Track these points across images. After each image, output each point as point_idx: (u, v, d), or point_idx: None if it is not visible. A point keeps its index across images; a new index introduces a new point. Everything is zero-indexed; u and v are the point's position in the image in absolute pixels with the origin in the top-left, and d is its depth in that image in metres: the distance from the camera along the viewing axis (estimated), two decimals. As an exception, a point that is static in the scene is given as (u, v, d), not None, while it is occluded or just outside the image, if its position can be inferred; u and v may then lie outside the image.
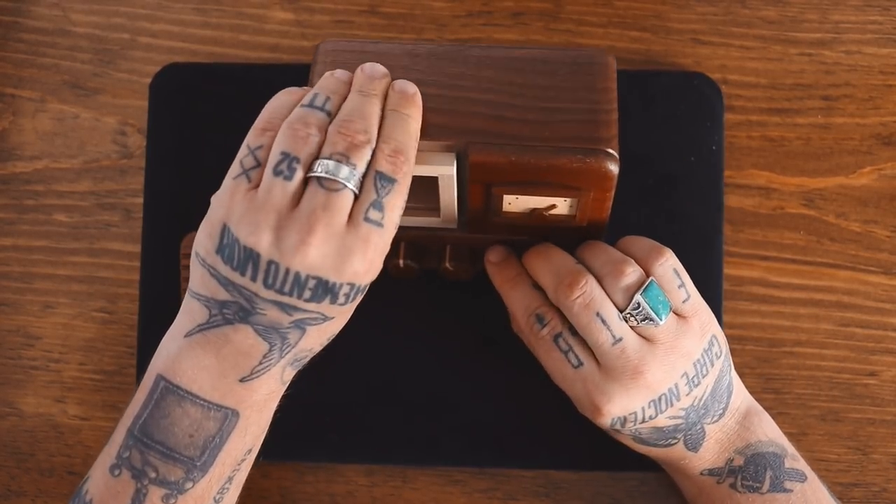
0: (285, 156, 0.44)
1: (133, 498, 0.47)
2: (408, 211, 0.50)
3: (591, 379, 0.51)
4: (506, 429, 0.60)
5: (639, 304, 0.50)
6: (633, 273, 0.51)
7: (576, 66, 0.49)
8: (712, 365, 0.52)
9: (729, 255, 0.62)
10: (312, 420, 0.60)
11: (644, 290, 0.50)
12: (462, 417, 0.60)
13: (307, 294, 0.44)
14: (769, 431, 0.55)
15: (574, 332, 0.52)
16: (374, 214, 0.44)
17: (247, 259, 0.44)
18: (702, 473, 0.54)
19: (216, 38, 0.64)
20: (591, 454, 0.59)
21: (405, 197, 0.45)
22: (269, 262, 0.44)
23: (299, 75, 0.62)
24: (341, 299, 0.45)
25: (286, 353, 0.47)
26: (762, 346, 0.61)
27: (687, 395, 0.51)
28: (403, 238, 0.54)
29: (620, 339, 0.50)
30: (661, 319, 0.50)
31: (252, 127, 0.46)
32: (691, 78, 0.62)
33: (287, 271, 0.44)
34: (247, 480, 0.61)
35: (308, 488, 0.61)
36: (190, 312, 0.47)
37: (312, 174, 0.44)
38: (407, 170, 0.45)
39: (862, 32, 0.63)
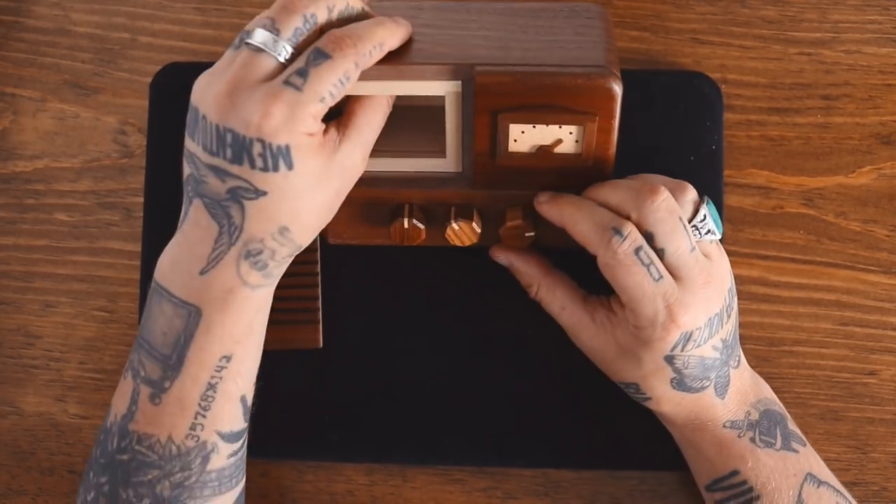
0: (241, 33, 0.48)
1: (131, 397, 0.50)
2: (413, 154, 0.53)
3: (671, 291, 0.51)
4: (506, 428, 0.60)
5: (705, 216, 0.52)
6: (693, 189, 0.52)
7: (574, 13, 0.52)
8: (734, 300, 0.54)
9: (729, 255, 0.61)
10: (312, 420, 0.60)
11: (706, 203, 0.52)
12: (462, 417, 0.60)
13: (229, 153, 0.46)
14: (770, 392, 0.56)
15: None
16: (294, 79, 0.45)
17: (193, 119, 0.48)
18: (724, 426, 0.54)
19: (216, 38, 0.64)
20: (591, 453, 0.59)
21: (340, 74, 0.46)
22: (202, 118, 0.47)
23: (299, 75, 0.62)
24: (258, 162, 0.46)
25: (235, 240, 0.48)
26: (762, 346, 0.61)
27: (726, 322, 0.53)
28: (408, 199, 0.54)
29: (694, 248, 0.52)
30: (720, 232, 0.53)
31: None
32: (691, 77, 0.62)
33: (210, 125, 0.46)
34: (246, 480, 0.61)
35: (308, 487, 0.61)
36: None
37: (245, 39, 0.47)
38: (350, 52, 0.46)
39: (861, 32, 0.63)
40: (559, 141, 0.52)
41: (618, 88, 0.49)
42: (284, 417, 0.60)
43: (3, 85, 0.65)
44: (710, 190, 0.61)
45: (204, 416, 0.49)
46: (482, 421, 0.60)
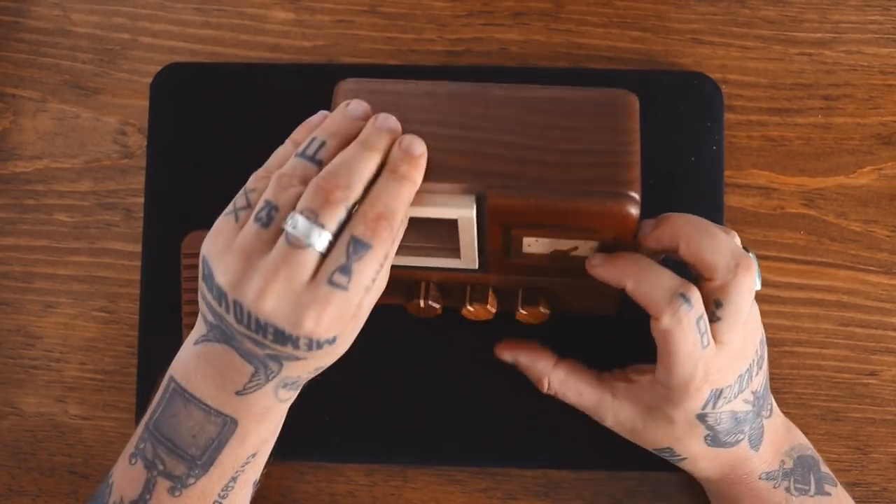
0: (267, 203, 0.45)
1: (144, 486, 0.49)
2: (428, 251, 0.52)
3: (711, 357, 0.51)
4: (506, 429, 0.60)
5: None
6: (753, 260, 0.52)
7: (598, 107, 0.49)
8: (765, 350, 0.54)
9: (729, 255, 0.62)
10: (312, 420, 0.60)
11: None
12: (462, 417, 0.60)
13: (270, 337, 0.45)
14: (802, 437, 0.56)
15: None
16: (338, 278, 0.44)
17: (220, 294, 0.45)
18: (760, 477, 0.54)
19: (216, 38, 0.65)
20: (591, 454, 0.59)
21: (382, 260, 0.45)
22: (235, 302, 0.45)
23: (299, 75, 0.62)
24: (303, 349, 0.45)
25: (272, 378, 0.48)
26: (762, 346, 0.61)
27: (756, 374, 0.52)
28: (424, 278, 0.55)
29: (747, 322, 0.52)
30: (759, 285, 0.51)
31: (254, 172, 0.48)
32: (691, 78, 0.62)
33: (249, 314, 0.45)
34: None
35: (308, 488, 0.61)
36: (199, 321, 0.49)
37: (284, 226, 0.44)
38: (387, 235, 0.45)
39: (862, 32, 0.63)
40: (575, 247, 0.51)
41: (635, 212, 0.47)
42: (285, 418, 0.60)
43: (3, 85, 0.65)
44: (711, 190, 0.61)
45: None
46: (482, 421, 0.60)
